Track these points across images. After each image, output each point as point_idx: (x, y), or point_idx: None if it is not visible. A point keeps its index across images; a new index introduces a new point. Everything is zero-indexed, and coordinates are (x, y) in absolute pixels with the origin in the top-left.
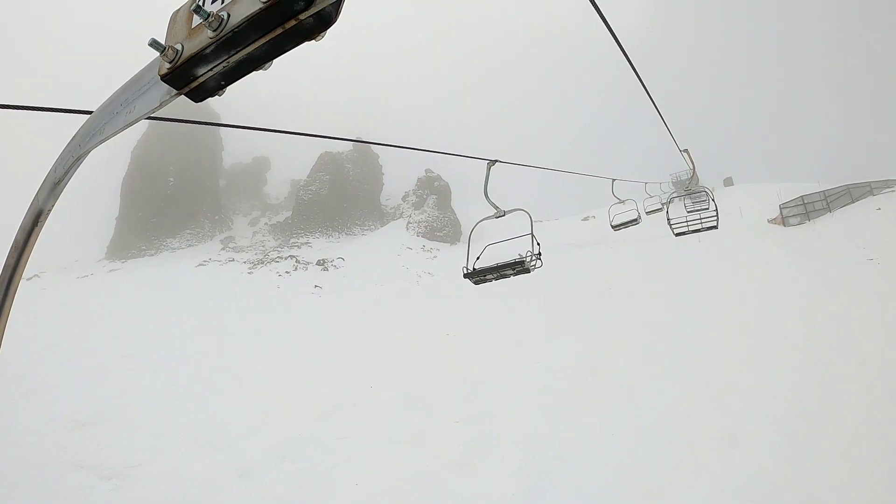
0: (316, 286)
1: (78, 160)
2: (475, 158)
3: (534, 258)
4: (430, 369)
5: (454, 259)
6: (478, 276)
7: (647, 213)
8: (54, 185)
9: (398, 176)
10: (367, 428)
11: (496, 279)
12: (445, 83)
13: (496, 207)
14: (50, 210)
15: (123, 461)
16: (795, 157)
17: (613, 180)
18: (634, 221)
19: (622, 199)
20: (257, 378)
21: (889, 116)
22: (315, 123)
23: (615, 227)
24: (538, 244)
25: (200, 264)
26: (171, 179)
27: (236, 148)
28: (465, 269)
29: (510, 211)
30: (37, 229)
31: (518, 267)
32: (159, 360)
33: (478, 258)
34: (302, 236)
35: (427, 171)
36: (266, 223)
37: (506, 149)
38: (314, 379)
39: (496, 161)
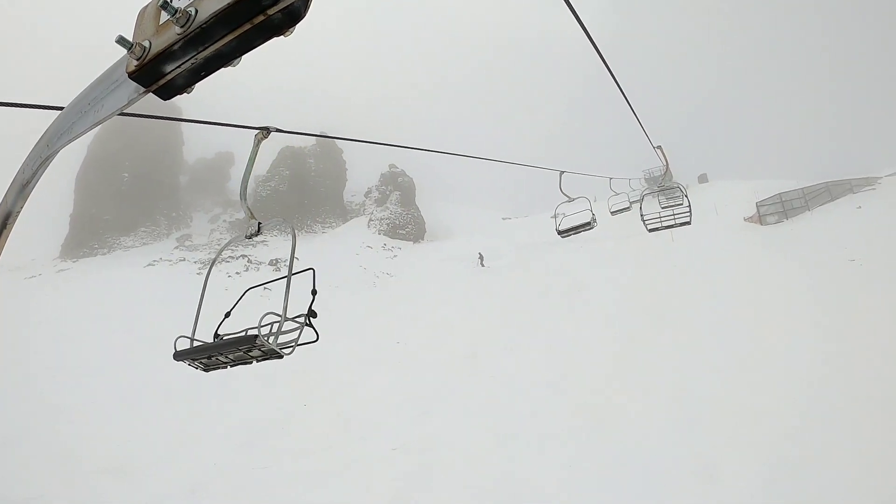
0: (265, 288)
1: (47, 160)
2: (451, 154)
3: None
4: (373, 384)
5: (416, 258)
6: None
7: (613, 212)
8: (23, 187)
9: (363, 171)
10: (292, 456)
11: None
12: (415, 76)
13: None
14: (19, 212)
15: (22, 493)
16: (772, 153)
17: (562, 173)
18: (587, 225)
19: (572, 196)
20: (183, 395)
21: (868, 113)
22: (278, 116)
23: (562, 234)
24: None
25: (150, 264)
26: (127, 175)
27: (199, 143)
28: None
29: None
30: (6, 231)
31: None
32: (83, 374)
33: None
34: (259, 234)
35: (391, 166)
36: (226, 220)
37: (479, 143)
38: (245, 396)
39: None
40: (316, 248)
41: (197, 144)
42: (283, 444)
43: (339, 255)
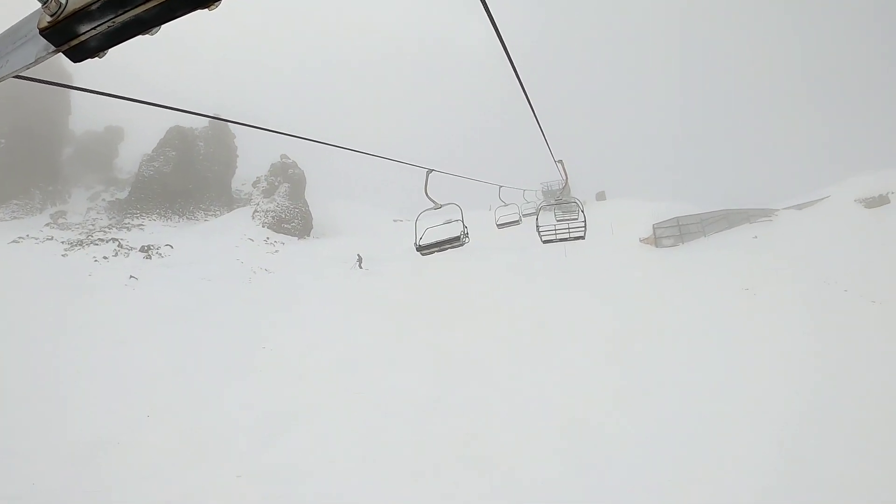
0: (131, 277)
1: None
2: (358, 152)
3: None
4: (228, 397)
5: (299, 255)
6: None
7: (499, 225)
8: None
9: (255, 159)
10: (122, 482)
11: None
12: (317, 63)
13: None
14: None
15: None
16: (673, 178)
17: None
18: (516, 222)
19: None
20: (14, 401)
21: (770, 147)
22: (177, 94)
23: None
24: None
25: (14, 241)
26: (3, 141)
27: (89, 114)
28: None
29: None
30: None
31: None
32: None
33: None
34: (137, 217)
35: (283, 156)
36: (106, 199)
37: (387, 145)
38: (82, 403)
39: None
40: (194, 236)
41: (86, 115)
42: (113, 468)
43: (218, 246)
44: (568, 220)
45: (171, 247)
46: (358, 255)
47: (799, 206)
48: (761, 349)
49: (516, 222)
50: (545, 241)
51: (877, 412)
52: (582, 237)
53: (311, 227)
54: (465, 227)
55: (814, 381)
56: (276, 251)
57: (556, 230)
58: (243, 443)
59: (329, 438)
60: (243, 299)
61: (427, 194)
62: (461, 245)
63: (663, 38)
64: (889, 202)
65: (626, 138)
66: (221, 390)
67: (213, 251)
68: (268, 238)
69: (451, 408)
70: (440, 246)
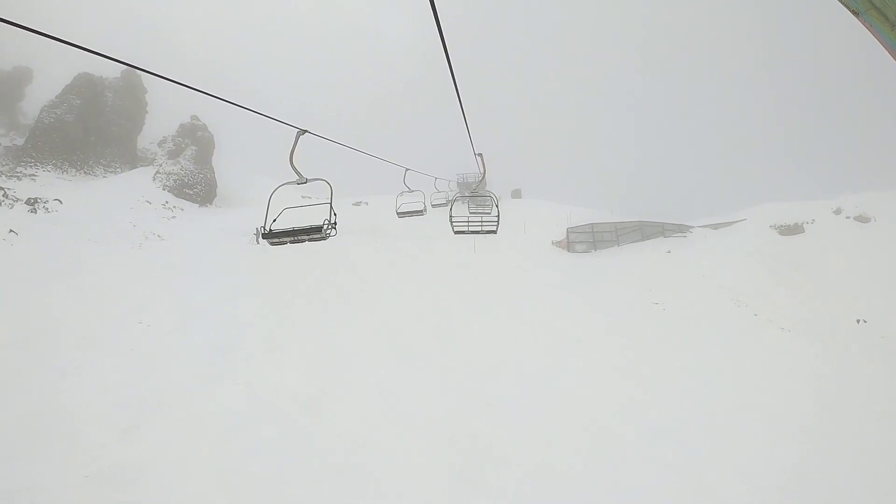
0: (11, 231)
1: None
2: (277, 121)
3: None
4: (87, 376)
5: (197, 222)
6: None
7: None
8: None
9: (166, 117)
10: None
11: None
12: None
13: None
14: None
15: None
16: (590, 184)
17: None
18: (420, 212)
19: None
20: None
21: (688, 165)
22: (93, 39)
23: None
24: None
25: None
26: None
27: None
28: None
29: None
30: None
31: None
32: None
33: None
34: (31, 166)
35: (193, 117)
36: (3, 144)
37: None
38: None
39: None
40: (89, 192)
41: None
42: None
43: (112, 205)
44: (482, 212)
45: (61, 202)
46: (257, 228)
47: (714, 226)
48: (668, 365)
49: (420, 212)
50: (457, 232)
51: (784, 440)
52: (494, 231)
53: (215, 196)
54: (333, 213)
55: (725, 403)
56: (174, 217)
57: (469, 222)
58: (92, 434)
59: (188, 434)
60: (128, 267)
61: (292, 163)
62: (323, 238)
63: (593, 43)
64: (804, 231)
65: (547, 140)
66: (81, 368)
67: (105, 211)
68: (167, 202)
69: (313, 419)
70: (294, 236)
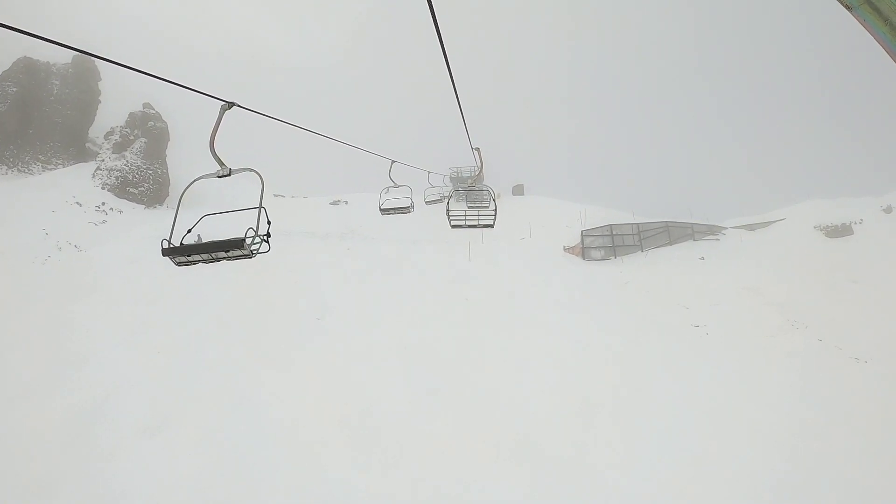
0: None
1: None
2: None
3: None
4: None
5: (136, 227)
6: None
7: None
8: None
9: (119, 107)
10: None
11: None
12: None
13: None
14: None
15: None
16: (604, 181)
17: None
18: (406, 209)
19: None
20: None
21: (715, 161)
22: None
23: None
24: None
25: None
26: None
27: None
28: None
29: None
30: None
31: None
32: None
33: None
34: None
35: (146, 105)
36: None
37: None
38: None
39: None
40: (13, 192)
41: None
42: None
43: (28, 208)
44: (479, 207)
45: None
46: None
47: (750, 227)
48: (721, 415)
49: (406, 209)
50: (454, 226)
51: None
52: (491, 225)
53: (167, 195)
54: (267, 221)
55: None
56: (105, 221)
57: (465, 216)
58: None
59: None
60: (23, 285)
61: (212, 148)
62: (249, 256)
63: (608, 34)
64: (852, 233)
65: (553, 127)
66: None
67: (16, 213)
68: (103, 203)
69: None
70: (208, 251)
